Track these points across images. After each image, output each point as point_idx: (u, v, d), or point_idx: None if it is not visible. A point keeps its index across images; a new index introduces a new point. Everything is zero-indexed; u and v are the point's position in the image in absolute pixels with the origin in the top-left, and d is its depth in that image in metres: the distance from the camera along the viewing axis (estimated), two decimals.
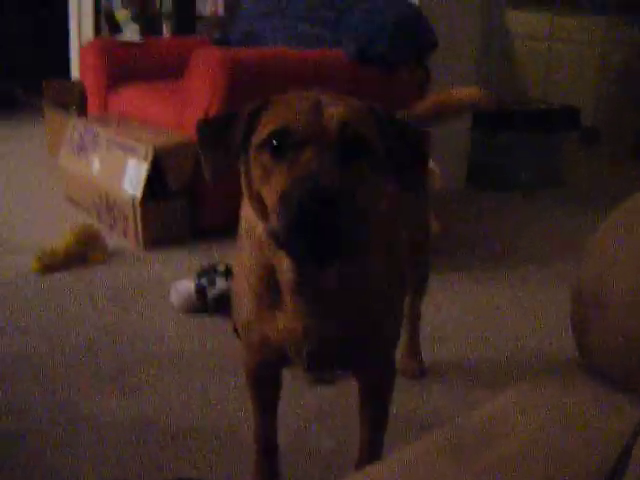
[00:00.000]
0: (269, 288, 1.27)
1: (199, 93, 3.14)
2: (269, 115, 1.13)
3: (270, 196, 1.08)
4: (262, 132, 1.12)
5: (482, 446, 1.01)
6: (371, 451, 1.55)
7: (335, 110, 1.11)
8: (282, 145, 1.09)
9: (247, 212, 1.29)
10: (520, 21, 6.37)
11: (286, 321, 1.27)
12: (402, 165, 1.18)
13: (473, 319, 2.62)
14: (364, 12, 3.60)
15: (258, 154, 1.12)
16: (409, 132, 1.22)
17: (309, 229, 1.02)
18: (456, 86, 2.00)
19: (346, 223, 1.04)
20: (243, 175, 1.18)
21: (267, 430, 1.59)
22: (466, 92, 1.95)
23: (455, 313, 2.67)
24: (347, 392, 2.06)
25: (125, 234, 3.23)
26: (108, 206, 3.33)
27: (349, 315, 1.28)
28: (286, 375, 1.61)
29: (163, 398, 2.04)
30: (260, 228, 1.22)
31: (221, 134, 1.19)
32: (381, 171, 1.15)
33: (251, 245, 1.28)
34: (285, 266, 1.20)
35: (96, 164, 3.43)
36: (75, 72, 5.64)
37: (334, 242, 1.05)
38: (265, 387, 1.54)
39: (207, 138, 1.22)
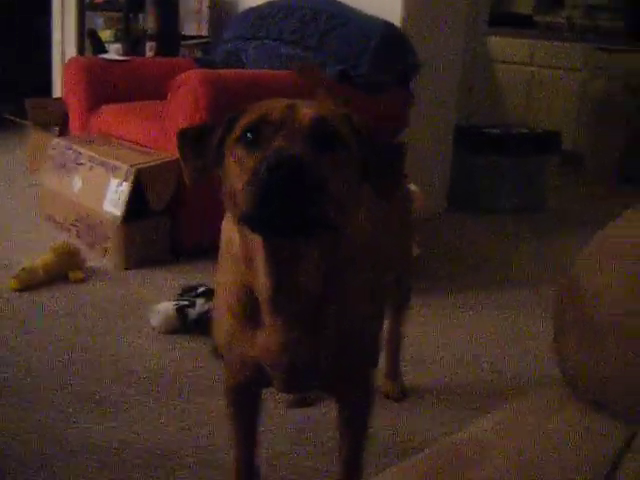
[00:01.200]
0: (247, 306, 1.26)
1: (181, 114, 3.14)
2: (245, 116, 1.15)
3: (242, 183, 1.07)
4: (238, 130, 1.14)
5: (461, 469, 1.00)
6: (351, 472, 1.54)
7: (309, 109, 1.12)
8: (256, 138, 1.10)
9: (226, 229, 1.29)
10: (501, 46, 6.45)
11: (264, 339, 1.26)
12: (375, 171, 1.17)
13: (455, 342, 2.62)
14: (346, 35, 3.62)
15: (233, 149, 1.13)
16: (382, 139, 1.22)
17: (275, 197, 1.01)
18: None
19: (315, 196, 1.02)
20: (222, 179, 1.18)
21: (246, 452, 1.57)
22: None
23: (436, 336, 2.66)
24: (327, 413, 2.05)
25: (105, 253, 3.21)
26: (89, 225, 3.31)
27: (327, 334, 1.27)
28: (266, 397, 1.60)
29: (141, 419, 2.01)
30: (237, 243, 1.21)
31: (200, 139, 1.21)
32: (355, 169, 1.14)
33: (229, 262, 1.28)
34: (262, 283, 1.19)
35: (77, 183, 3.41)
36: (58, 91, 5.63)
37: (301, 212, 1.03)
38: (245, 407, 1.53)
39: (187, 143, 1.23)
